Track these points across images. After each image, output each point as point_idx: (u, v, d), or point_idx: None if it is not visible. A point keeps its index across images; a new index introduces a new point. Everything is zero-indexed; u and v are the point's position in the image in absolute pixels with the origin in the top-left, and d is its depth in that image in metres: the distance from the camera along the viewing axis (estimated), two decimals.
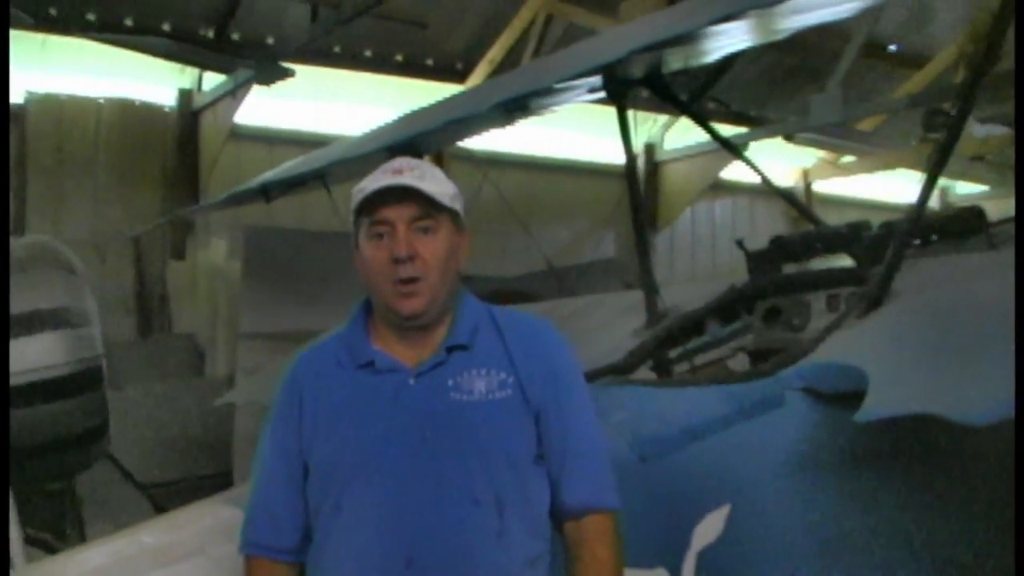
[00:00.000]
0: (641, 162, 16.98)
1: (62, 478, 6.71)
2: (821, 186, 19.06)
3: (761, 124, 15.87)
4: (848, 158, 17.81)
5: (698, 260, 17.61)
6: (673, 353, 5.40)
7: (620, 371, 5.04)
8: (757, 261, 5.60)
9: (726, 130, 16.09)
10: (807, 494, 3.78)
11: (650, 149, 17.21)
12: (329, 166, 7.78)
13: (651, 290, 5.88)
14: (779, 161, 17.44)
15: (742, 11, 4.68)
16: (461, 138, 7.70)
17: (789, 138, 14.82)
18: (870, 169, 17.56)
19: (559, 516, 2.54)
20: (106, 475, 8.71)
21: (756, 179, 6.50)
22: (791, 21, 5.01)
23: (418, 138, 6.75)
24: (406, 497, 2.41)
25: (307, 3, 11.31)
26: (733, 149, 6.92)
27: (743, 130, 15.32)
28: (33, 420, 5.36)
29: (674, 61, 5.67)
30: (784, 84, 16.08)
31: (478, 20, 14.16)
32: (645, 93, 6.24)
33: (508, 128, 6.99)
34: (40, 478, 6.04)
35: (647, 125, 16.78)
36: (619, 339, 5.65)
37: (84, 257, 12.47)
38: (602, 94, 5.97)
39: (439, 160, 15.20)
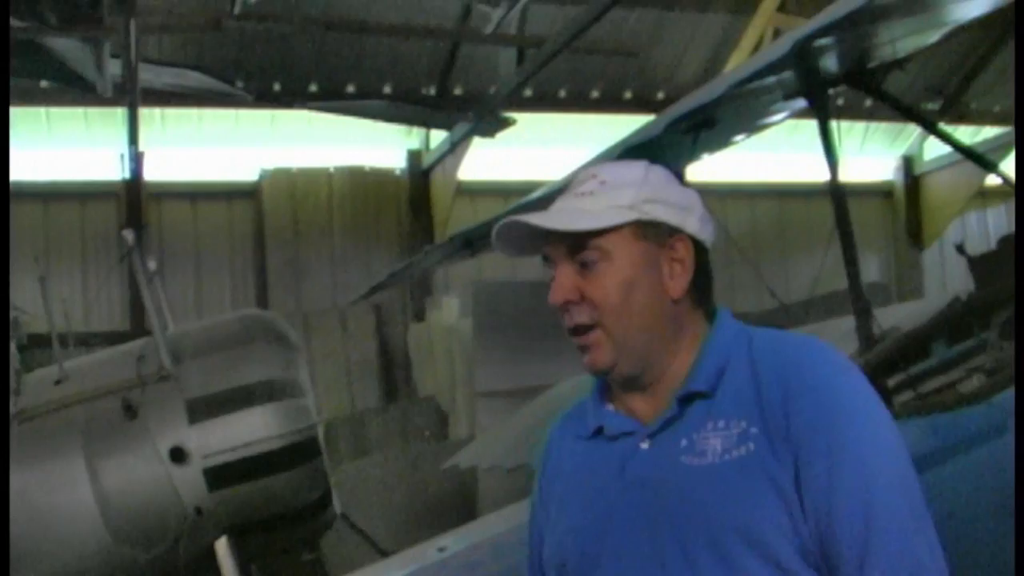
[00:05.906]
0: (900, 176, 16.28)
1: (288, 553, 6.59)
2: None
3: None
4: None
5: None
6: (892, 382, 4.62)
7: None
8: (983, 267, 4.83)
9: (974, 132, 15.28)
10: None
11: (908, 162, 16.33)
12: (507, 213, 7.30)
13: (862, 312, 4.96)
14: None
15: None
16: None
17: None
18: None
19: None
20: (352, 542, 8.57)
21: None
22: None
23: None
24: None
25: (513, 47, 10.92)
26: (974, 156, 6.10)
27: (1000, 130, 14.13)
28: (251, 495, 5.23)
29: (882, 41, 4.77)
30: None
31: (704, 46, 13.74)
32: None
33: (716, 155, 6.30)
34: (262, 554, 5.90)
35: (904, 137, 16.05)
36: None
37: (327, 325, 12.95)
38: (803, 103, 5.19)
39: None
